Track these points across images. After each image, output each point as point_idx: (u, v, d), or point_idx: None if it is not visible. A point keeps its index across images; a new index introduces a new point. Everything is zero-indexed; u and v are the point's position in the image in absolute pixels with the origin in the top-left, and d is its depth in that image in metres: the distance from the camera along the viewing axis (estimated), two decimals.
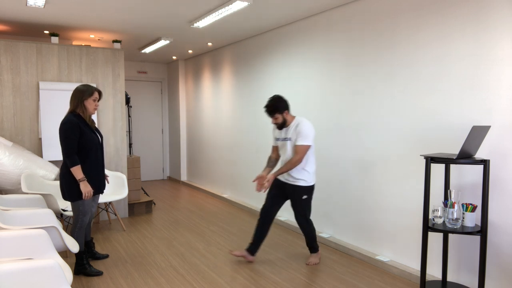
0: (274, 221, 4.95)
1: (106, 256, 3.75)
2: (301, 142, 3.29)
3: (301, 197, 3.44)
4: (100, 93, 3.28)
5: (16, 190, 3.93)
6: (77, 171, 3.11)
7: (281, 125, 3.43)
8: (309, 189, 3.47)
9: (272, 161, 3.67)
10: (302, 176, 3.40)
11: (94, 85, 4.83)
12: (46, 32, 5.17)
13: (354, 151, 3.86)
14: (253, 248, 3.61)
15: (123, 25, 4.87)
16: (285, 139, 3.45)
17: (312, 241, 3.60)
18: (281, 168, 3.36)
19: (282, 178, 3.51)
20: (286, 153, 3.46)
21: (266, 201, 3.57)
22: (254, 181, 3.46)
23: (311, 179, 3.45)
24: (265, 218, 3.54)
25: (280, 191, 3.53)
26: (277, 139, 3.57)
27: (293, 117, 3.45)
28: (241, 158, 5.89)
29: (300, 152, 3.29)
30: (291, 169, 3.33)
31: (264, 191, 3.39)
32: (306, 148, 3.30)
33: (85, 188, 3.14)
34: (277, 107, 3.35)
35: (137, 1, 3.88)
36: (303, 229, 3.55)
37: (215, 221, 5.05)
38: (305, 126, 3.32)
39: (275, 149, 3.65)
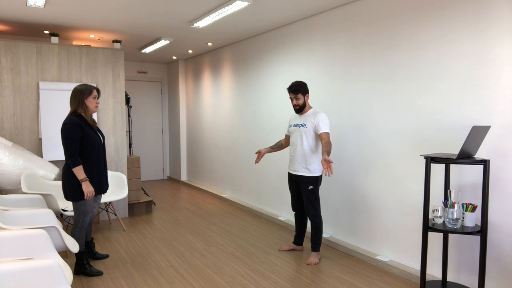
0: (274, 221, 4.97)
1: (106, 256, 3.75)
2: (324, 129, 3.46)
3: (307, 188, 3.56)
4: (98, 90, 3.29)
5: (16, 190, 3.93)
6: (79, 171, 3.12)
7: (300, 108, 3.60)
8: (314, 180, 3.54)
9: (279, 145, 3.94)
10: (306, 166, 3.55)
11: (94, 85, 4.84)
12: (46, 32, 5.17)
13: (354, 151, 3.86)
14: (299, 240, 3.94)
15: (123, 25, 4.87)
16: (298, 125, 3.61)
17: (317, 237, 3.62)
18: (326, 151, 3.27)
19: (290, 169, 3.71)
20: (295, 140, 3.61)
21: (291, 197, 3.83)
22: (256, 153, 3.90)
23: (316, 170, 3.54)
24: (297, 211, 3.85)
25: (294, 184, 3.73)
26: (290, 125, 3.74)
27: (311, 107, 3.65)
28: (241, 158, 5.89)
29: (326, 138, 3.41)
30: (331, 147, 3.41)
31: (256, 163, 3.91)
32: (329, 135, 3.46)
33: (87, 188, 3.14)
34: (300, 87, 3.56)
35: (137, 1, 3.88)
36: (311, 221, 3.61)
37: (215, 221, 5.05)
38: (324, 116, 3.51)
39: (287, 138, 3.91)
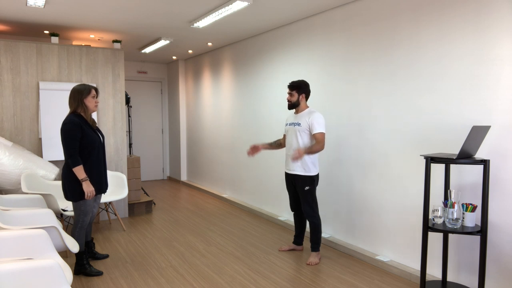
0: (274, 221, 4.97)
1: (106, 256, 3.75)
2: (319, 129, 3.47)
3: (303, 188, 3.56)
4: (96, 89, 3.29)
5: (16, 190, 3.93)
6: (79, 171, 3.12)
7: (292, 105, 3.63)
8: (311, 180, 3.54)
9: (278, 143, 3.91)
10: (302, 165, 3.55)
11: (94, 85, 4.84)
12: (46, 32, 5.17)
13: (354, 151, 3.86)
14: (299, 240, 3.95)
15: (123, 25, 4.87)
16: (293, 124, 3.62)
17: (316, 237, 3.62)
18: (309, 148, 3.41)
19: (286, 169, 3.71)
20: (290, 139, 3.63)
21: (289, 197, 3.83)
22: (251, 146, 3.77)
23: (313, 169, 3.54)
24: (296, 211, 3.85)
25: (291, 183, 3.73)
26: (286, 124, 3.77)
27: (307, 107, 3.64)
28: (241, 158, 5.89)
29: (320, 140, 3.45)
30: (316, 151, 3.44)
31: (250, 156, 3.80)
32: (324, 135, 3.48)
33: (88, 188, 3.14)
34: (299, 86, 3.58)
35: (137, 1, 3.88)
36: (310, 221, 3.61)
37: (215, 221, 5.05)
38: (319, 116, 3.52)
39: (285, 137, 3.87)
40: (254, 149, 3.74)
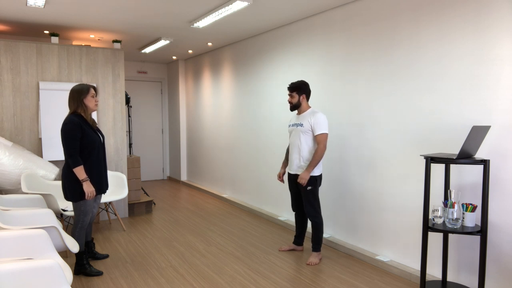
0: (274, 221, 4.97)
1: (106, 256, 3.75)
2: (320, 131, 3.47)
3: (306, 188, 3.55)
4: (95, 88, 3.28)
5: (16, 190, 3.93)
6: (80, 171, 3.12)
7: (294, 107, 3.64)
8: (313, 180, 3.54)
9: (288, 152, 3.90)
10: (305, 165, 3.55)
11: (95, 85, 4.84)
12: (46, 32, 5.17)
13: (354, 151, 3.86)
14: (299, 240, 3.95)
15: (123, 25, 4.87)
16: (295, 125, 3.63)
17: (317, 237, 3.62)
18: (310, 163, 3.49)
19: (289, 169, 3.71)
20: (294, 141, 3.63)
21: (291, 197, 3.84)
22: (279, 179, 3.86)
23: (315, 169, 3.54)
24: (297, 211, 3.85)
25: (294, 184, 3.73)
26: (289, 126, 3.78)
27: (309, 107, 3.64)
28: (241, 158, 5.89)
29: (322, 141, 3.47)
30: (319, 160, 3.48)
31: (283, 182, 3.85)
32: (326, 136, 3.48)
33: (88, 188, 3.14)
34: (299, 87, 3.58)
35: (137, 1, 3.88)
36: (312, 221, 3.61)
37: (215, 221, 5.05)
38: (321, 116, 3.51)
39: None
40: (281, 176, 3.86)
